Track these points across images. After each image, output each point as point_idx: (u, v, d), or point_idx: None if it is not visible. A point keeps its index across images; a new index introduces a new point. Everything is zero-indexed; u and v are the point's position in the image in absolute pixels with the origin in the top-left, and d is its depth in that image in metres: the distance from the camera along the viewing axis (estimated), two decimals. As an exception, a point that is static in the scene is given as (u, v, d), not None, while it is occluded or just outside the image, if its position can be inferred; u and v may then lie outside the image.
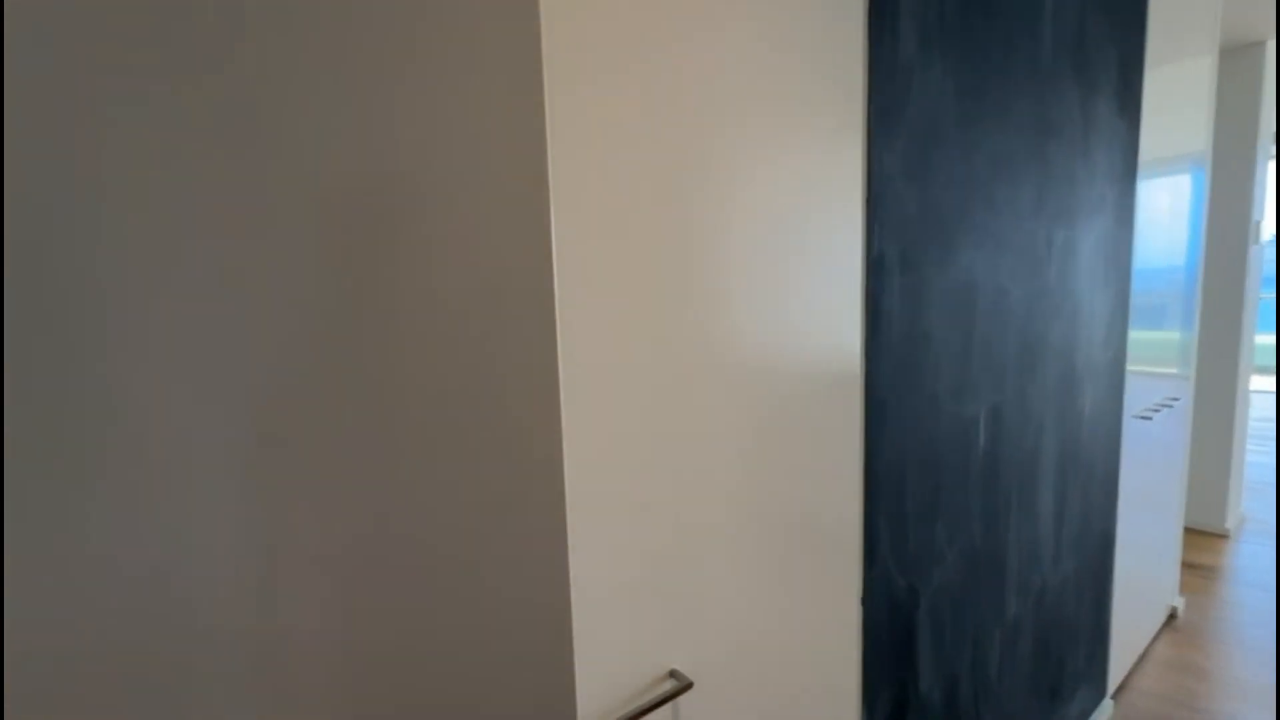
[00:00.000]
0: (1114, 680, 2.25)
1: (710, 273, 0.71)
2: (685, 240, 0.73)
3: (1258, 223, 3.74)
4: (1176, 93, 2.31)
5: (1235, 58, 3.52)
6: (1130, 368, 2.08)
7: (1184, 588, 3.33)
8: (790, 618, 0.90)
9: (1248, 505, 4.33)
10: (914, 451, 1.16)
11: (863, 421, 1.03)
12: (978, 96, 1.25)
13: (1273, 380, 9.14)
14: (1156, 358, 2.39)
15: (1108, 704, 2.17)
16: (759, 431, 0.82)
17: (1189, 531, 3.94)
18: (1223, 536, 3.90)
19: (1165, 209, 2.29)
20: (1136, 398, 2.18)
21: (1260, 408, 7.42)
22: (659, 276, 0.70)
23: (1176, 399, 2.56)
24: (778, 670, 0.89)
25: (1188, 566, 3.50)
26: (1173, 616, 2.97)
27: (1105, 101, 1.70)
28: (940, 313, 1.18)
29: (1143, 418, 2.19)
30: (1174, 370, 2.57)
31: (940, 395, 1.19)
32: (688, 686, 0.71)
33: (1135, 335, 2.16)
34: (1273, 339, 9.36)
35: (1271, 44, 3.53)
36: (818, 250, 0.89)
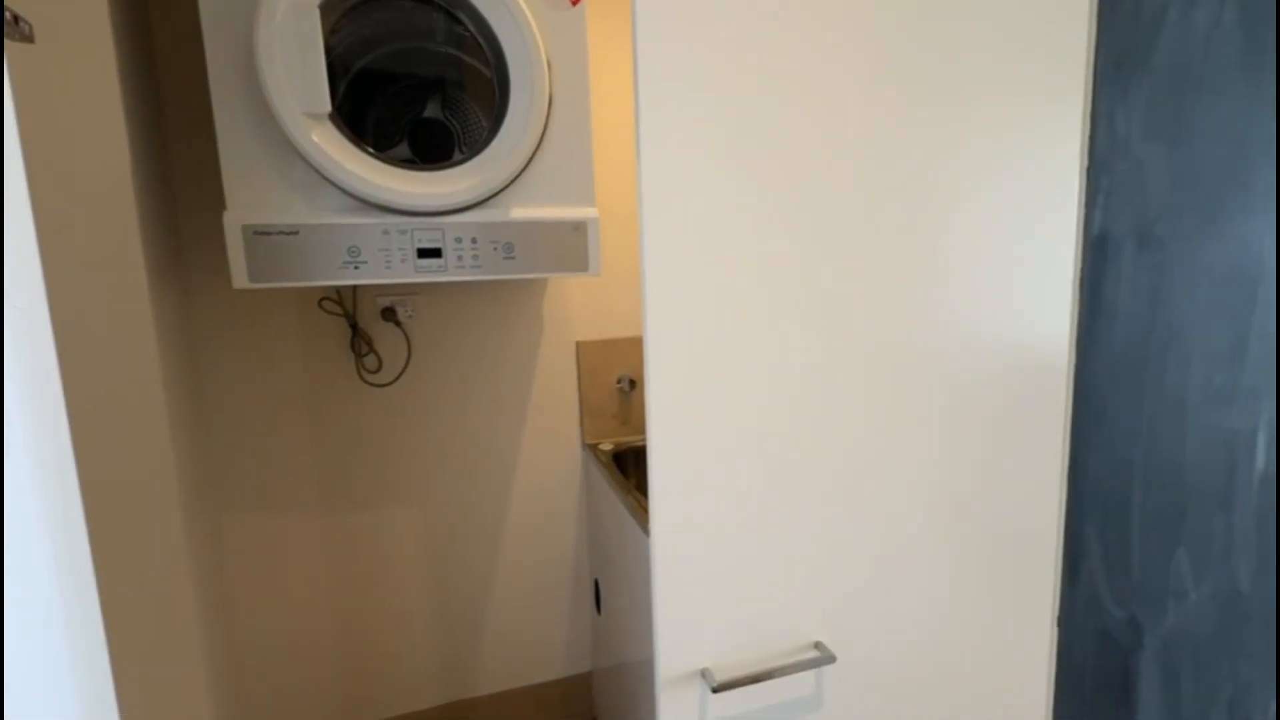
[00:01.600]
0: None
1: (902, 255, 0.69)
2: (875, 222, 0.71)
3: None
4: None
5: None
6: None
7: None
8: (961, 618, 0.84)
9: None
10: (1145, 462, 0.97)
11: (1068, 420, 0.90)
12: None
13: None
14: None
15: None
16: (946, 419, 0.78)
17: None
18: None
19: None
20: None
21: None
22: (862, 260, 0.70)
23: None
24: (938, 670, 0.84)
25: None
26: None
27: None
28: (1195, 299, 0.95)
29: None
30: None
31: (1190, 401, 0.97)
32: (830, 659, 0.72)
33: None
34: None
35: None
36: (1015, 230, 0.79)
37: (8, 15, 0.46)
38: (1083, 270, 0.87)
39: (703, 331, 0.69)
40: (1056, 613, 0.92)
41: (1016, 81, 0.76)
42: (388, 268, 0.98)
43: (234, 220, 0.91)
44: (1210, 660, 1.07)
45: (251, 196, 0.91)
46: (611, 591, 1.49)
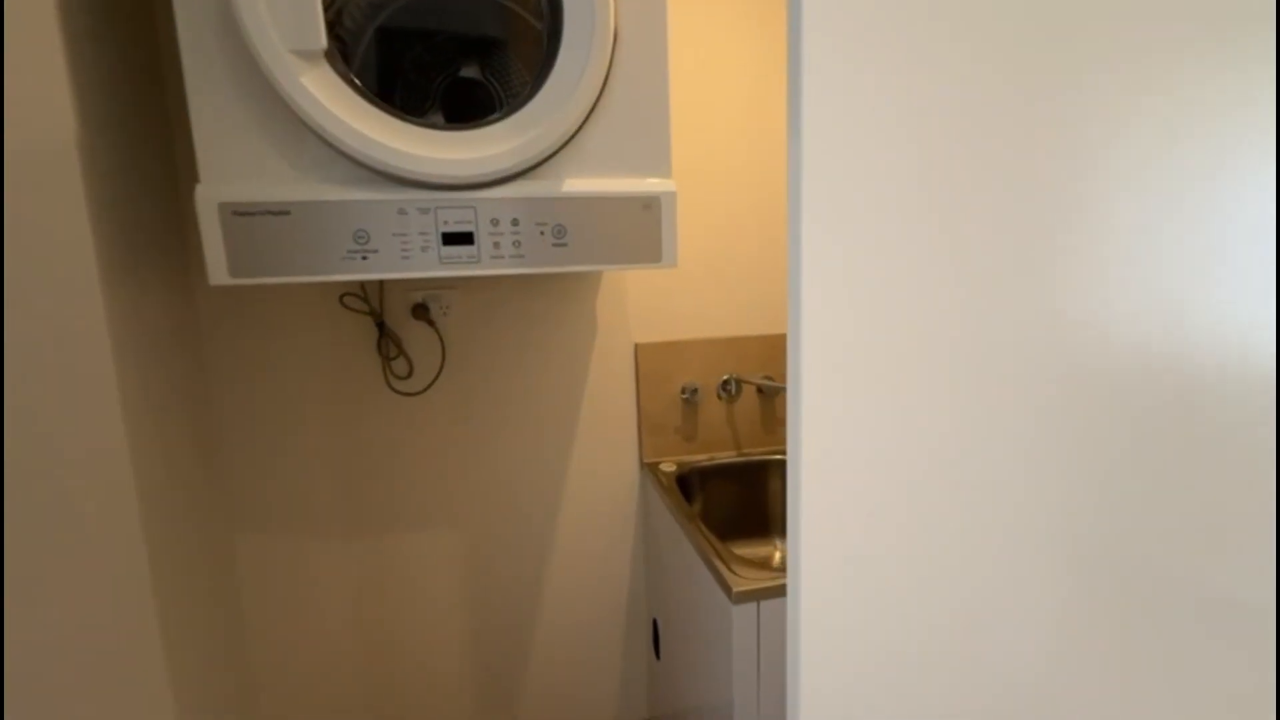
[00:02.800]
0: None
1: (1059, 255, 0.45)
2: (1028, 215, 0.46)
3: None
4: None
5: None
6: None
7: None
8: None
9: None
10: None
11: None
12: None
13: None
14: None
15: None
16: (1105, 457, 0.51)
17: None
18: None
19: None
20: None
21: None
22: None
23: None
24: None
25: None
26: None
27: None
28: None
29: None
30: None
31: None
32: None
33: None
34: None
35: None
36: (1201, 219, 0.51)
37: None
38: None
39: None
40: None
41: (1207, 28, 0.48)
42: (405, 258, 0.75)
43: (208, 197, 0.70)
44: None
45: (231, 166, 0.70)
46: (673, 635, 1.26)
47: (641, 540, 1.44)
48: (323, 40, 0.66)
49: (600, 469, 1.39)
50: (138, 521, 0.76)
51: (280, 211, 0.71)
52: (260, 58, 0.65)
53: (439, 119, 0.85)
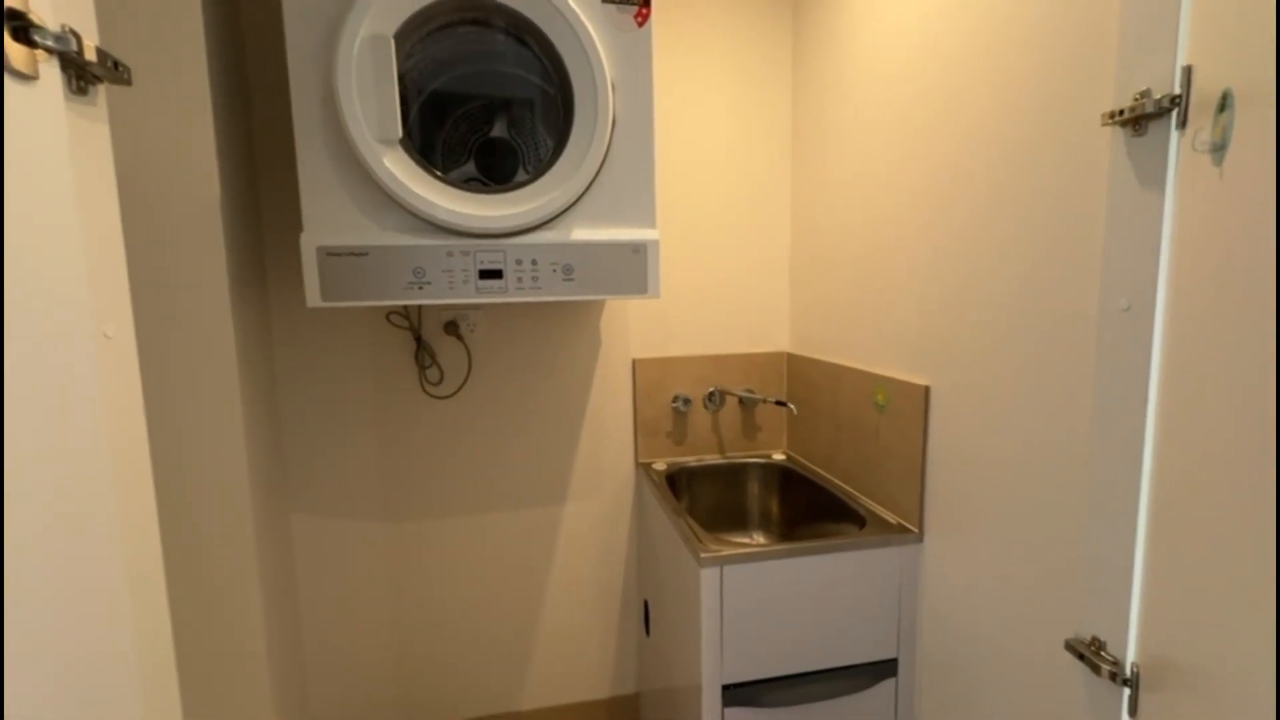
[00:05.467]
0: None
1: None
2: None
3: None
4: None
5: None
6: None
7: None
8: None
9: None
10: None
11: None
12: None
13: None
14: None
15: None
16: None
17: None
18: None
19: None
20: None
21: None
22: None
23: None
24: None
25: None
26: None
27: None
28: None
29: None
30: None
31: None
32: None
33: None
34: None
35: None
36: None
37: (107, 61, 0.49)
38: None
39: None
40: None
41: None
42: (451, 288, 0.99)
43: (310, 242, 0.95)
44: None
45: (326, 219, 0.95)
46: (661, 614, 1.47)
47: (636, 530, 1.66)
48: (399, 132, 0.91)
49: (601, 467, 1.61)
50: (248, 496, 0.99)
51: (361, 253, 0.95)
52: (355, 145, 0.89)
53: (471, 169, 1.10)
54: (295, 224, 1.27)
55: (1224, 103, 0.63)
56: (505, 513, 1.57)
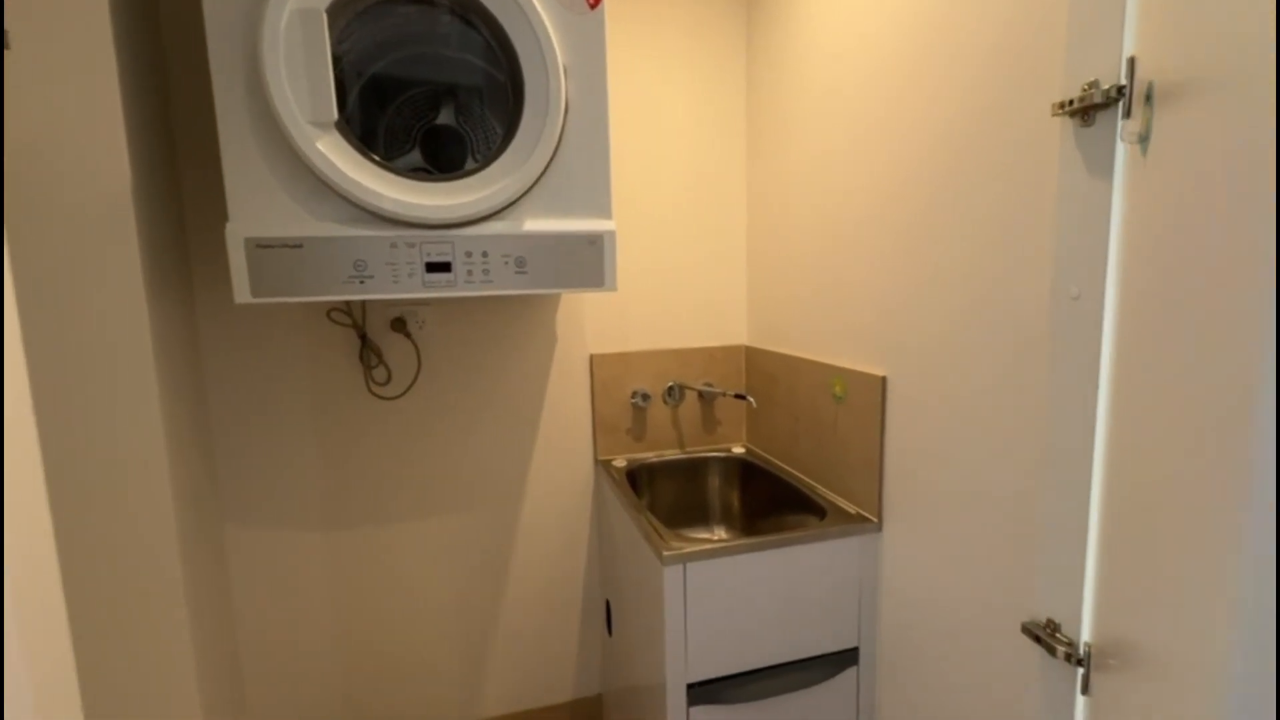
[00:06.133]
0: None
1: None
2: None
3: None
4: None
5: None
6: None
7: None
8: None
9: None
10: None
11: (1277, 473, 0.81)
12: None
13: None
14: None
15: None
16: None
17: None
18: None
19: None
20: None
21: None
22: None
23: None
24: None
25: None
26: None
27: None
28: None
29: None
30: None
31: None
32: None
33: None
34: None
35: None
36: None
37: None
38: None
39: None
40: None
41: None
42: (395, 282, 0.93)
43: (237, 233, 0.87)
44: None
45: (255, 208, 0.88)
46: (623, 613, 1.44)
47: (596, 529, 1.62)
48: (335, 114, 0.84)
49: (559, 466, 1.57)
50: (171, 505, 0.91)
51: (294, 245, 0.88)
52: (285, 127, 0.83)
53: (417, 158, 1.04)
54: (220, 218, 1.18)
55: (1149, 94, 0.64)
56: (459, 516, 1.51)
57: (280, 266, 0.88)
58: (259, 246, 0.87)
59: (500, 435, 1.51)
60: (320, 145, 0.84)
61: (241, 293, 0.88)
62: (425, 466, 1.47)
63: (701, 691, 1.13)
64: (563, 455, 1.57)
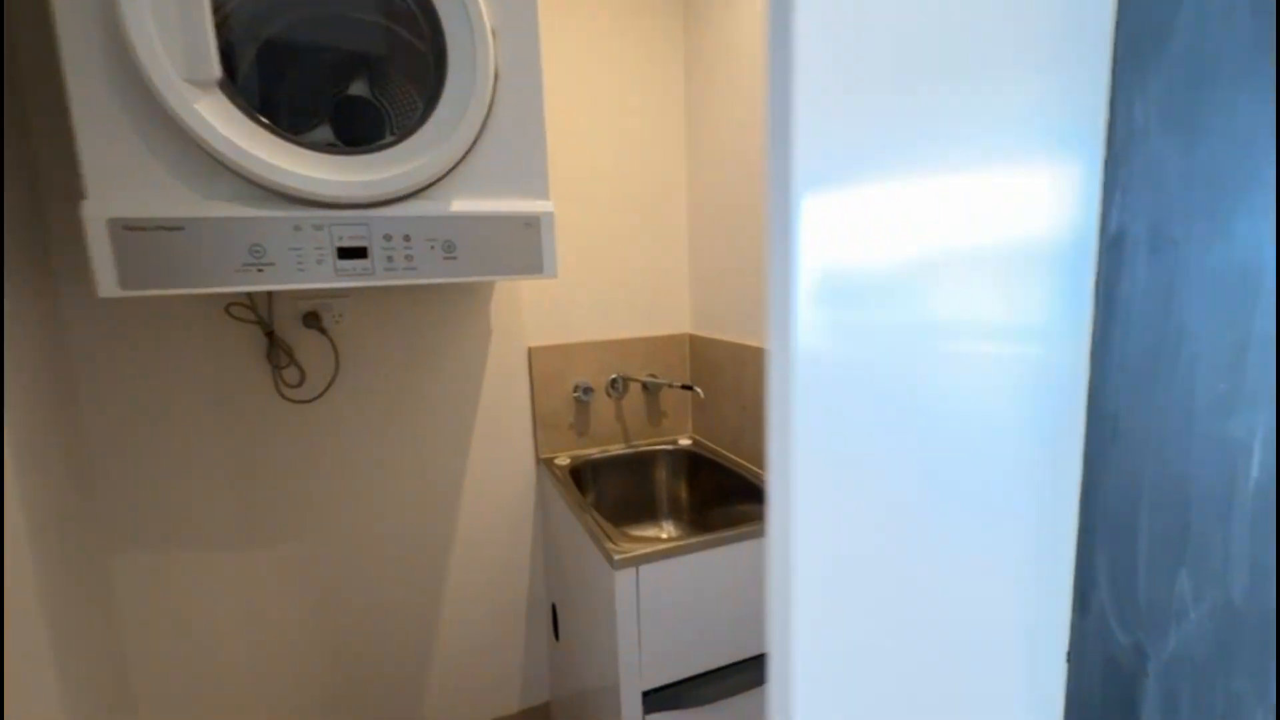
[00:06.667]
0: None
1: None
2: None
3: None
4: None
5: None
6: None
7: None
8: (963, 668, 0.76)
9: None
10: (1153, 479, 0.92)
11: (1083, 439, 0.83)
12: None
13: None
14: None
15: None
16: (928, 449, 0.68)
17: None
18: None
19: None
20: None
21: None
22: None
23: None
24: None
25: None
26: None
27: None
28: (1203, 304, 0.91)
29: None
30: None
31: (1196, 410, 0.93)
32: None
33: None
34: None
35: None
36: (1027, 220, 0.71)
37: None
38: (1100, 271, 0.80)
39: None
40: (1066, 649, 0.86)
41: (1038, 56, 0.67)
42: (301, 270, 0.81)
43: (96, 212, 0.73)
44: (1206, 677, 1.05)
45: (121, 183, 0.73)
46: (571, 618, 1.37)
47: (540, 531, 1.54)
48: (217, 70, 0.71)
49: (497, 466, 1.47)
50: (23, 535, 0.76)
51: (174, 227, 0.74)
52: (154, 86, 0.69)
53: (328, 135, 0.91)
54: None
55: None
56: (389, 526, 1.39)
57: (156, 253, 0.74)
58: (127, 229, 0.73)
59: (432, 437, 1.39)
60: (200, 108, 0.71)
61: (106, 285, 0.74)
62: (348, 474, 1.34)
63: (658, 698, 1.07)
64: (502, 455, 1.47)
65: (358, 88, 0.96)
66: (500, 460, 1.47)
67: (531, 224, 0.92)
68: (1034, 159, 0.67)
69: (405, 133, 0.85)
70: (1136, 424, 0.90)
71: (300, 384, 1.26)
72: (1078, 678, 0.89)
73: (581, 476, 1.47)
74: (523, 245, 0.93)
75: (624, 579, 1.01)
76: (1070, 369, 0.76)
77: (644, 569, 1.02)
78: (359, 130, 0.92)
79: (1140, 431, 0.91)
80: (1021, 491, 0.76)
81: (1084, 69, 0.71)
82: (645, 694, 1.06)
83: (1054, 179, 0.70)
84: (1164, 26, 0.80)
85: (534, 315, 1.46)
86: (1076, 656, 0.88)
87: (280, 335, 1.23)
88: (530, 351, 1.46)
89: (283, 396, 1.25)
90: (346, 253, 0.83)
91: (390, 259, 0.85)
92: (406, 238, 0.85)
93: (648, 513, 1.57)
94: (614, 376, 1.55)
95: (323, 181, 0.80)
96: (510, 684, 1.57)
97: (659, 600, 1.04)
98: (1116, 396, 0.87)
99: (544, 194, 0.93)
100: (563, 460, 1.48)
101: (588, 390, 1.52)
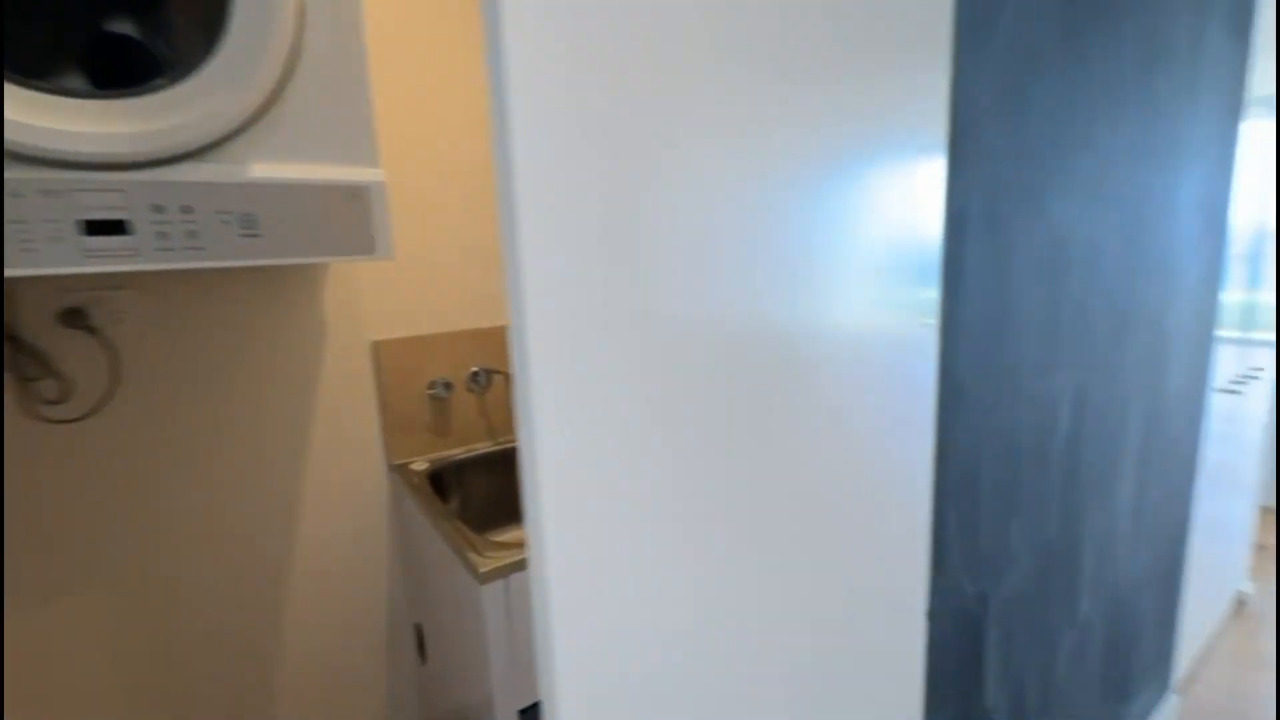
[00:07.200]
0: (1179, 674, 2.08)
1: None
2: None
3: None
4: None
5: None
6: (1220, 334, 1.85)
7: (1254, 571, 3.09)
8: (840, 645, 0.77)
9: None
10: (992, 439, 1.01)
11: (936, 407, 0.87)
12: (1087, 3, 1.02)
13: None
14: (1245, 323, 2.14)
15: (1173, 699, 2.01)
16: (814, 429, 0.67)
17: (1262, 511, 3.67)
18: (1294, 514, 3.63)
19: (1266, 154, 2.00)
20: (1222, 368, 1.95)
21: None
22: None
23: (1262, 369, 2.31)
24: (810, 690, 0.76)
25: (1258, 549, 3.25)
26: (1242, 603, 2.76)
27: (1219, 20, 1.44)
28: (1027, 276, 1.01)
29: (1230, 391, 1.97)
30: (1260, 336, 2.31)
31: (1023, 372, 1.03)
32: None
33: (1226, 298, 1.91)
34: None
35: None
36: (883, 204, 0.72)
37: None
38: (947, 247, 0.83)
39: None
40: (927, 608, 0.90)
41: (881, 43, 0.67)
42: (29, 251, 0.61)
43: None
44: (1030, 610, 1.18)
45: None
46: (438, 637, 1.24)
47: (397, 546, 1.38)
48: None
49: (341, 480, 1.29)
50: None
51: None
52: None
53: (82, 85, 0.70)
54: None
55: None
56: (206, 563, 1.16)
57: None
58: None
59: (255, 451, 1.18)
60: None
61: None
62: (142, 502, 1.09)
63: (534, 713, 0.99)
64: (346, 467, 1.29)
65: (119, 24, 0.75)
66: (344, 473, 1.29)
67: (359, 195, 0.78)
68: (888, 143, 0.68)
69: (182, 72, 0.67)
70: (980, 387, 0.97)
71: (62, 400, 1.00)
72: (935, 631, 0.94)
73: (443, 481, 1.34)
74: (347, 221, 0.78)
75: (492, 592, 0.91)
76: (926, 342, 0.79)
77: (514, 579, 0.93)
78: (122, 78, 0.72)
79: (983, 393, 0.98)
80: (891, 468, 0.78)
81: (929, 53, 0.72)
82: (521, 712, 0.98)
83: (908, 162, 0.71)
84: (995, 10, 0.85)
85: (379, 304, 1.29)
86: (936, 612, 0.94)
87: (28, 340, 0.96)
88: (376, 346, 1.29)
89: (38, 416, 0.99)
90: (98, 227, 0.64)
91: (164, 236, 0.67)
92: (187, 209, 0.68)
93: (519, 514, 1.47)
94: (476, 369, 1.42)
95: (54, 133, 0.60)
96: (373, 711, 1.41)
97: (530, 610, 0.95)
98: (962, 362, 0.92)
99: (372, 159, 0.79)
100: (420, 465, 1.33)
101: (447, 386, 1.38)
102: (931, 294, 0.81)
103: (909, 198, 0.73)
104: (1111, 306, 1.27)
